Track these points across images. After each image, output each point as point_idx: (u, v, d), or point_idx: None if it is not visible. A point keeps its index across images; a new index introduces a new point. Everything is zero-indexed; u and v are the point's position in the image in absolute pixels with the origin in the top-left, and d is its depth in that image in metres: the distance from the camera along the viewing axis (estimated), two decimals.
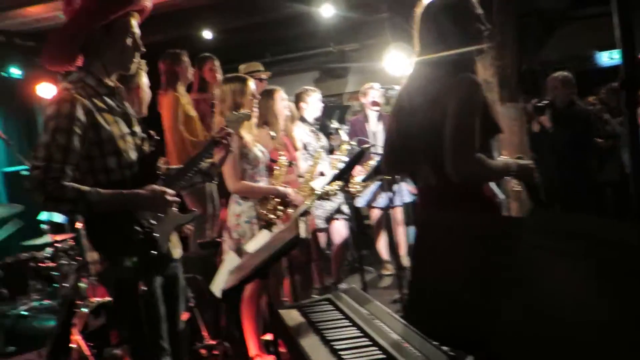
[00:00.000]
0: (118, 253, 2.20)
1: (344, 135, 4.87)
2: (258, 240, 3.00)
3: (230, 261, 2.48)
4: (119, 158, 2.20)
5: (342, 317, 1.92)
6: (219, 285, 2.24)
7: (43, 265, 3.95)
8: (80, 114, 2.09)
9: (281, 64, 8.40)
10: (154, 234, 2.25)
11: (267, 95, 4.11)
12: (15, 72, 5.28)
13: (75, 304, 3.50)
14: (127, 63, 2.29)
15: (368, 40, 7.71)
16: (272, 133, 4.00)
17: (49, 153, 2.04)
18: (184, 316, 3.91)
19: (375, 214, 5.67)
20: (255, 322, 3.75)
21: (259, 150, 3.63)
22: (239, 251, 3.50)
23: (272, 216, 3.57)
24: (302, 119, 4.89)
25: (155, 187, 2.23)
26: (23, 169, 4.26)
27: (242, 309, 3.68)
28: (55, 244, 3.83)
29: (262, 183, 3.64)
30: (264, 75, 5.59)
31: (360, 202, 5.51)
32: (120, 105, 2.29)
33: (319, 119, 5.12)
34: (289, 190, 3.66)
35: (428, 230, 1.72)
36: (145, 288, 2.21)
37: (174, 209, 2.33)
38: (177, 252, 2.44)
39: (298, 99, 4.92)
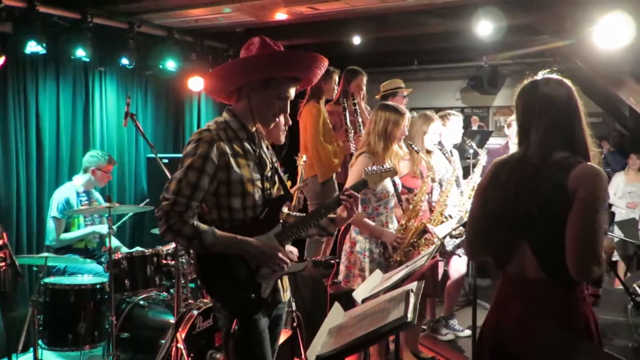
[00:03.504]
0: (221, 291, 2.32)
1: (483, 160, 4.70)
2: (368, 285, 2.89)
3: (332, 317, 2.38)
4: (243, 200, 2.31)
5: None
6: (315, 347, 2.14)
7: (164, 261, 4.17)
8: (214, 155, 2.22)
9: (428, 72, 8.33)
10: (257, 280, 2.32)
11: (423, 122, 4.00)
12: (170, 66, 5.57)
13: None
14: (268, 120, 2.40)
15: (524, 59, 7.38)
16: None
17: (179, 188, 2.19)
18: (286, 334, 3.98)
19: None
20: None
21: (390, 183, 3.55)
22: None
23: (396, 257, 3.51)
24: (439, 143, 4.73)
25: (272, 244, 2.32)
26: (164, 156, 4.50)
27: None
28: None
29: (384, 215, 3.57)
30: (405, 92, 5.56)
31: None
32: (257, 151, 2.39)
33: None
34: (391, 238, 3.53)
35: None
36: (236, 327, 2.28)
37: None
38: (286, 294, 2.50)
39: None
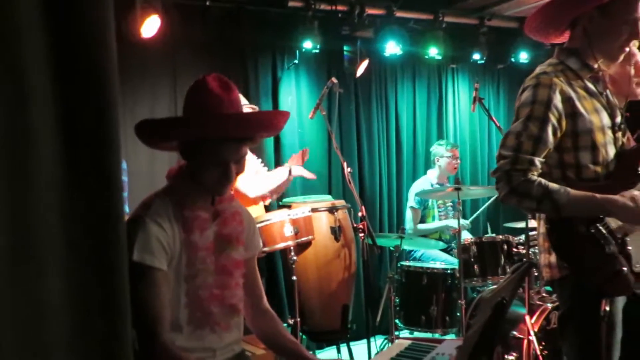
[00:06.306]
0: (582, 262, 1.93)
1: None
2: None
3: None
4: (593, 153, 1.96)
5: None
6: None
7: (515, 250, 3.97)
8: (557, 101, 1.92)
9: None
10: (628, 248, 1.90)
11: None
12: (523, 57, 5.38)
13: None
14: (616, 53, 2.01)
15: None
16: None
17: (519, 142, 1.93)
18: None
19: None
20: None
21: None
22: None
23: None
24: None
25: (637, 195, 1.88)
26: None
27: None
28: (530, 231, 3.76)
29: None
30: None
31: None
32: (604, 93, 2.04)
33: None
34: None
35: None
36: (608, 308, 1.92)
37: None
38: None
39: None
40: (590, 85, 2.01)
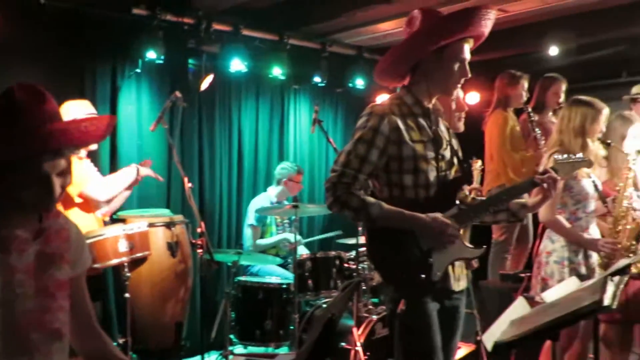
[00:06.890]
0: (388, 267, 2.25)
1: None
2: (560, 290, 2.59)
3: (516, 309, 2.17)
4: (415, 177, 2.23)
5: None
6: (493, 334, 1.97)
7: (346, 265, 4.20)
8: (386, 128, 2.19)
9: None
10: (429, 259, 2.19)
11: (621, 125, 3.60)
12: (359, 83, 5.75)
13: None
14: (450, 88, 2.34)
15: None
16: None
17: (348, 160, 2.19)
18: (469, 347, 3.74)
19: None
20: None
21: (590, 183, 3.20)
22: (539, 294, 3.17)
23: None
24: None
25: (439, 217, 2.19)
26: None
27: None
28: (360, 248, 4.01)
29: (584, 220, 3.19)
30: None
31: None
32: (433, 127, 2.32)
33: None
34: (594, 243, 3.15)
35: None
36: (404, 308, 2.17)
37: (461, 241, 2.24)
38: (459, 284, 2.33)
39: None
40: (421, 119, 2.29)
